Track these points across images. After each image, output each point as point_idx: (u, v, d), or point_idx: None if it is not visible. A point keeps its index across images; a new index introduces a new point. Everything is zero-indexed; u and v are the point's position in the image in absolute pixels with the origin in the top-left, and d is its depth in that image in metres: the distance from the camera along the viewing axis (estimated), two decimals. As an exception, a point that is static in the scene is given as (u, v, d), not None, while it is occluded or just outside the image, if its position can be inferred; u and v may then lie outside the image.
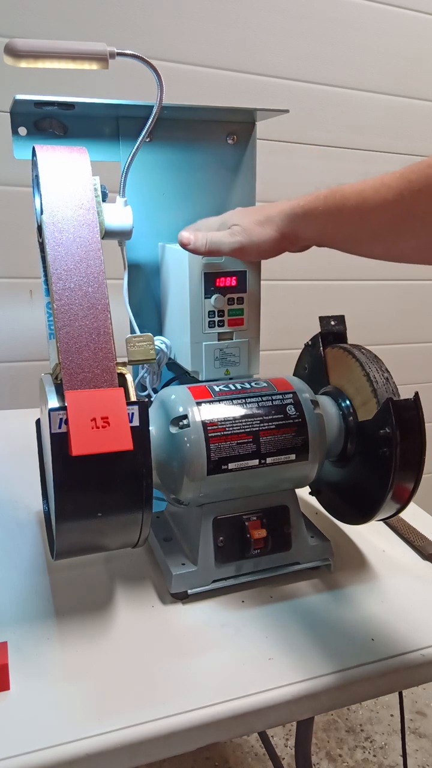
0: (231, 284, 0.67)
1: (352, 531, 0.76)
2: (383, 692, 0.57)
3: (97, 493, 0.51)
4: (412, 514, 0.78)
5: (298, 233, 0.58)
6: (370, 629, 0.59)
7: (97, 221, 0.55)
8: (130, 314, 0.72)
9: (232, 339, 0.68)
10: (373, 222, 0.50)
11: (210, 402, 0.61)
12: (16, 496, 0.82)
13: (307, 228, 0.57)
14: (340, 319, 0.72)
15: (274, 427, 0.61)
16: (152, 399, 0.65)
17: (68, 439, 0.47)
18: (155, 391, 0.74)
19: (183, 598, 0.62)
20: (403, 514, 0.66)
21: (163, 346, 0.72)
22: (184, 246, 0.63)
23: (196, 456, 0.58)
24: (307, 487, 0.70)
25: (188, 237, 0.62)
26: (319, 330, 0.72)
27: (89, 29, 1.12)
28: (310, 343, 0.74)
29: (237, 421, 0.60)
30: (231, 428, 0.60)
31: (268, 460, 0.61)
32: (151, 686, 0.52)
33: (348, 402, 0.66)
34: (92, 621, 0.59)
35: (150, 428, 0.53)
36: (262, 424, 0.61)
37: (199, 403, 0.60)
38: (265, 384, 0.64)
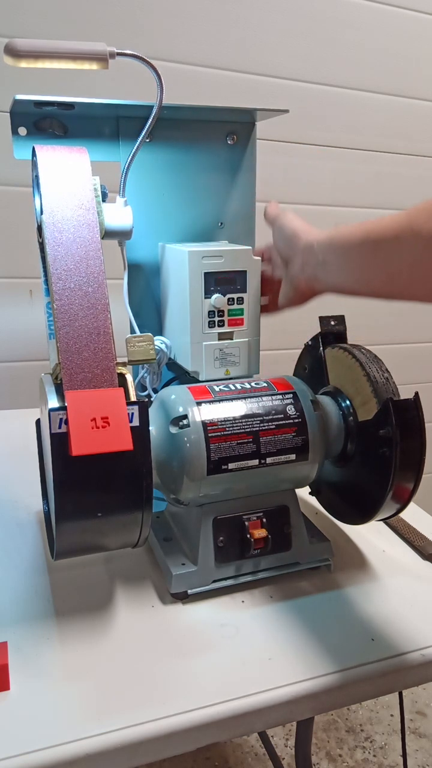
0: (231, 284, 0.67)
1: (352, 531, 0.76)
2: (383, 692, 0.57)
3: (97, 493, 0.51)
4: (412, 514, 0.78)
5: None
6: (370, 629, 0.59)
7: (97, 221, 0.55)
8: (130, 314, 0.72)
9: (232, 339, 0.68)
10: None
11: (210, 402, 0.61)
12: (16, 496, 0.82)
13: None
14: (340, 319, 0.73)
15: (274, 427, 0.61)
16: (152, 399, 0.65)
17: (68, 439, 0.47)
18: (155, 391, 0.74)
19: (183, 598, 0.62)
20: (403, 514, 0.66)
21: (163, 346, 0.72)
22: None
23: (196, 456, 0.58)
24: (307, 487, 0.70)
25: None
26: (319, 330, 0.72)
27: (89, 29, 1.12)
28: (310, 343, 0.74)
29: (237, 421, 0.60)
30: (231, 428, 0.60)
31: (268, 460, 0.61)
32: (151, 686, 0.52)
33: (348, 402, 0.66)
34: (92, 621, 0.59)
35: (150, 428, 0.53)
36: (262, 424, 0.61)
37: (199, 403, 0.60)
38: (265, 384, 0.64)
